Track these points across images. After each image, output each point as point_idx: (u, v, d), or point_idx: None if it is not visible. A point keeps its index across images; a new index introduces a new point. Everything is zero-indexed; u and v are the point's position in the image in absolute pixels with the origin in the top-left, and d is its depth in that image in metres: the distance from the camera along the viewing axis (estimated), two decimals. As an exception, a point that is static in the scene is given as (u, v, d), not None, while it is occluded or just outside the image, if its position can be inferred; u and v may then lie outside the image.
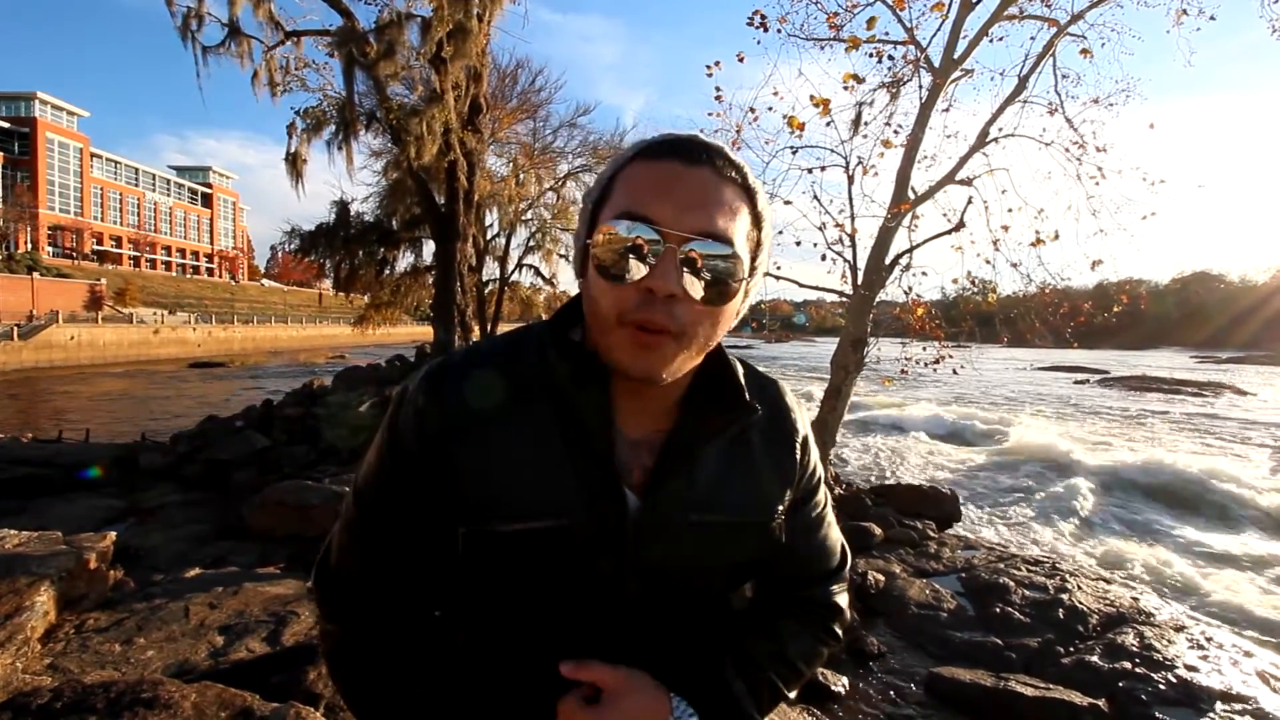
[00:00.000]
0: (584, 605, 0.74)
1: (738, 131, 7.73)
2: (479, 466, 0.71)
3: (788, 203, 7.82)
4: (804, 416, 0.87)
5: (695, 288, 0.64)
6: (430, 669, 0.76)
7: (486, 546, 0.71)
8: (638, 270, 0.64)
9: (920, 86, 7.57)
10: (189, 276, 72.50)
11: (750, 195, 0.69)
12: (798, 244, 8.03)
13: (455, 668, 0.78)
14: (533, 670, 0.75)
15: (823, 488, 0.88)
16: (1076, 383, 31.91)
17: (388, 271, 14.79)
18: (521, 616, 0.75)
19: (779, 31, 7.43)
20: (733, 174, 0.68)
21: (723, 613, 0.85)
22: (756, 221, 0.70)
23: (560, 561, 0.71)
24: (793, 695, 0.83)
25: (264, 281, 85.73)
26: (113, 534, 3.73)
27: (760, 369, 0.87)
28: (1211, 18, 6.97)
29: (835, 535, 0.90)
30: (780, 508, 0.81)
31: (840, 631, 0.88)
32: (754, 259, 0.71)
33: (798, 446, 0.83)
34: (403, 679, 0.75)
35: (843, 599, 0.89)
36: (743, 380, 0.79)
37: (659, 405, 0.76)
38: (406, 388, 0.76)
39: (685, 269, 0.64)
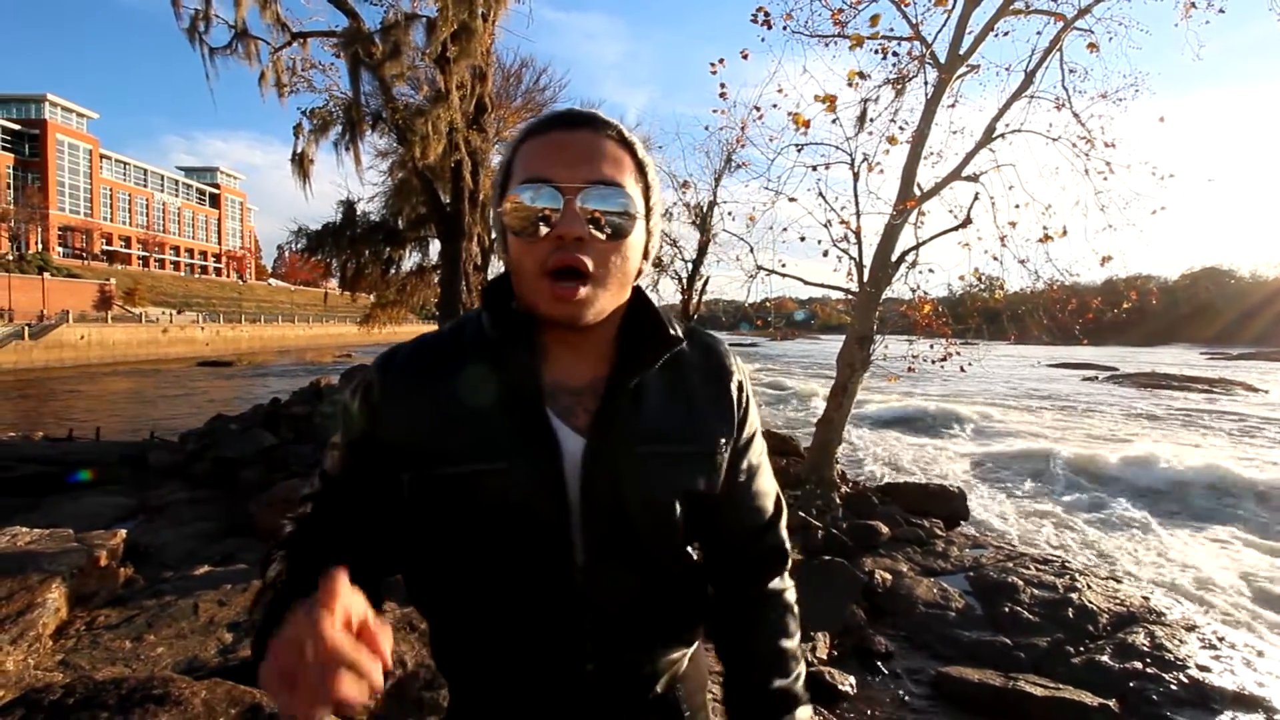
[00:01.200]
0: (537, 553, 0.77)
1: (742, 129, 7.74)
2: (422, 422, 0.77)
3: (793, 199, 7.82)
4: (740, 364, 0.92)
5: (597, 231, 0.73)
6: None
7: (429, 491, 0.77)
8: (545, 226, 0.73)
9: (926, 83, 7.54)
10: (197, 276, 73.00)
11: (629, 146, 0.78)
12: (802, 239, 8.02)
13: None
14: (496, 638, 0.79)
15: (760, 437, 0.94)
16: (1085, 379, 31.73)
17: (393, 271, 14.81)
18: (476, 575, 0.78)
19: (783, 28, 7.41)
20: (610, 132, 0.77)
21: (680, 566, 0.88)
22: (640, 169, 0.80)
23: (503, 504, 0.75)
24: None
25: (271, 281, 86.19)
26: (123, 532, 3.77)
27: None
28: (1220, 10, 6.91)
29: (772, 481, 0.96)
30: (722, 440, 0.86)
31: (790, 578, 0.96)
32: (647, 201, 0.80)
33: (733, 386, 0.89)
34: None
35: (787, 541, 0.96)
36: (667, 317, 0.85)
37: (595, 353, 0.83)
38: (365, 369, 0.84)
39: (587, 219, 0.73)
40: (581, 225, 0.72)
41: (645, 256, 0.82)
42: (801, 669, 0.90)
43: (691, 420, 0.83)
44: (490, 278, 0.93)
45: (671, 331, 0.84)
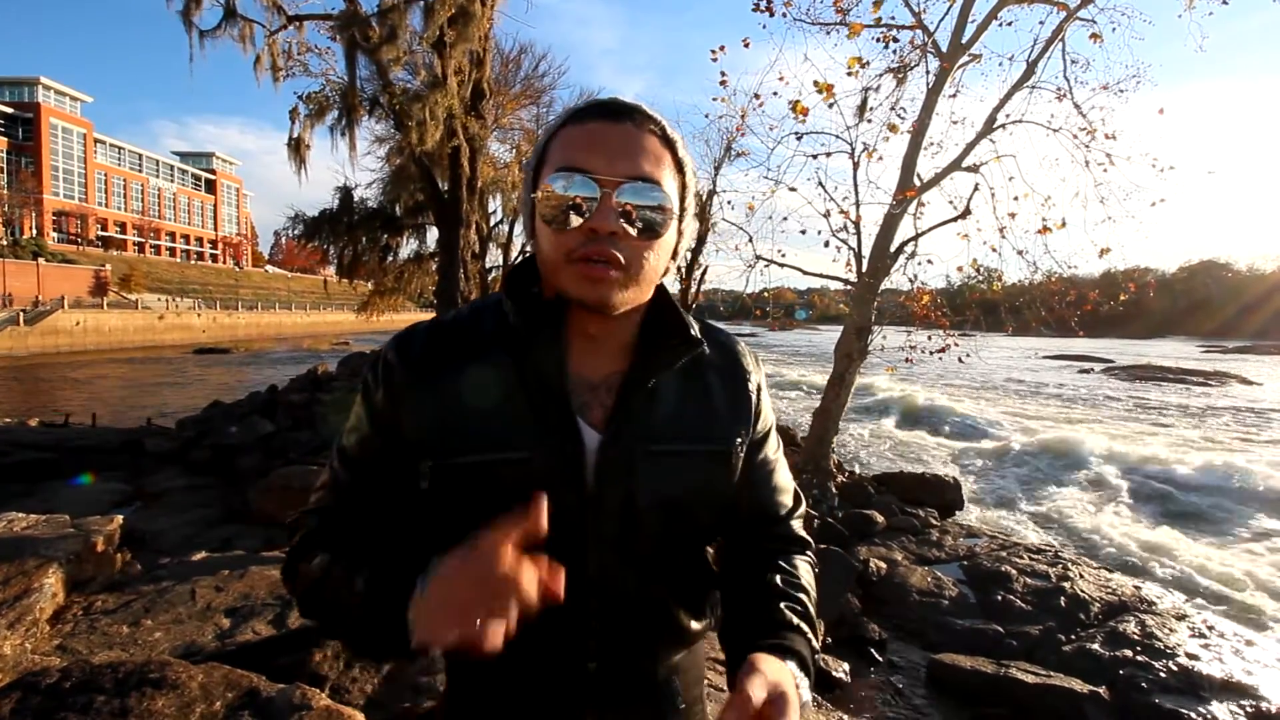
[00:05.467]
0: (552, 543, 0.73)
1: (742, 117, 7.69)
2: (442, 408, 0.77)
3: (792, 189, 7.79)
4: (758, 366, 0.93)
5: (630, 227, 0.72)
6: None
7: (450, 479, 0.76)
8: (579, 217, 0.72)
9: (927, 72, 7.50)
10: (193, 263, 72.53)
11: (670, 144, 0.77)
12: (803, 232, 8.03)
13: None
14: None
15: (775, 433, 0.94)
16: (1080, 372, 31.81)
17: (391, 258, 14.75)
18: None
19: (784, 16, 7.36)
20: (652, 127, 0.76)
21: (690, 567, 0.87)
22: (679, 167, 0.78)
23: (523, 494, 0.72)
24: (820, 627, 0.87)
25: (268, 268, 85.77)
26: (120, 517, 3.76)
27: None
28: (1224, 1, 6.86)
29: (789, 477, 0.96)
30: (738, 440, 0.85)
31: (814, 556, 0.94)
32: (682, 200, 0.79)
33: (751, 388, 0.89)
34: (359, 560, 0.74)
35: (804, 532, 0.95)
36: (689, 319, 0.85)
37: (614, 347, 0.82)
38: (381, 348, 0.83)
39: (620, 213, 0.72)
40: (615, 220, 0.71)
41: (674, 256, 0.81)
42: (808, 611, 0.83)
43: (707, 420, 0.83)
44: (513, 263, 0.91)
45: (693, 333, 0.83)
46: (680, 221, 0.79)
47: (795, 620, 0.80)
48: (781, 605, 0.81)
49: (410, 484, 0.78)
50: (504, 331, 0.79)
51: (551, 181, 0.73)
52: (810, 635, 0.80)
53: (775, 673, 0.69)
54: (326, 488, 0.83)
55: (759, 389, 0.90)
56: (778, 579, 0.85)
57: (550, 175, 0.73)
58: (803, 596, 0.84)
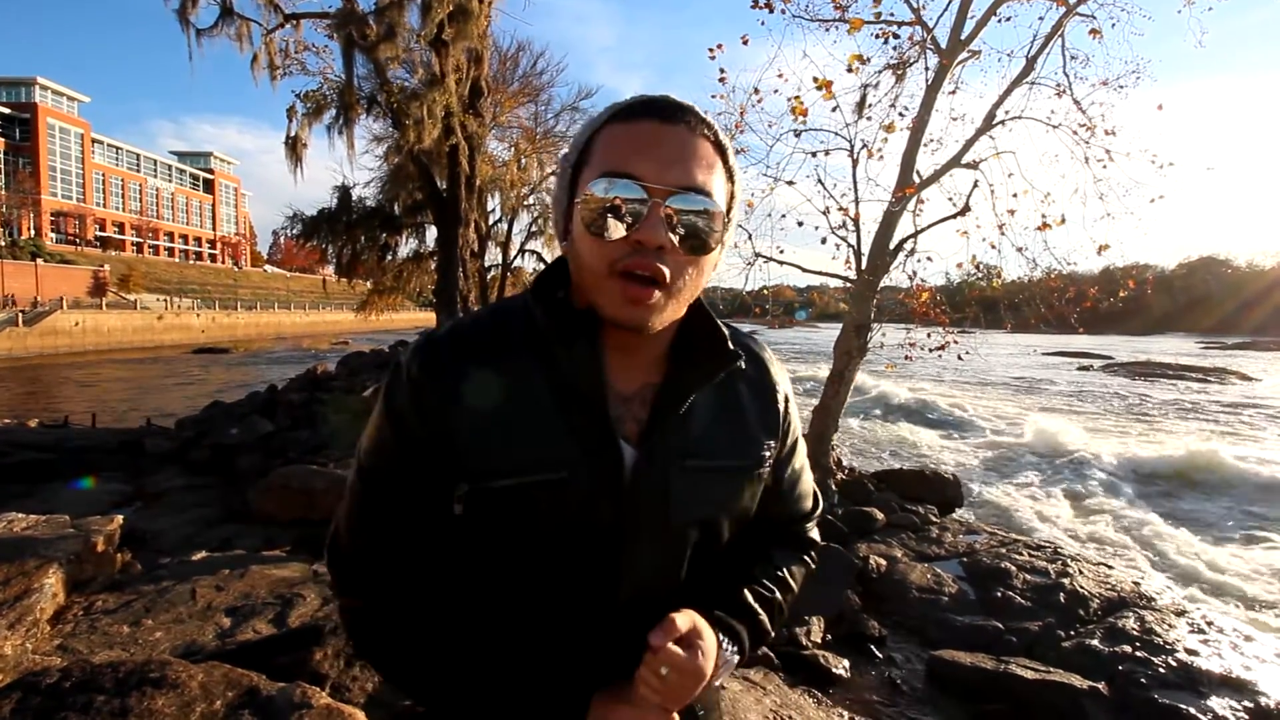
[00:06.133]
0: (589, 562, 0.74)
1: (741, 114, 7.66)
2: (476, 430, 0.72)
3: (791, 183, 7.77)
4: (785, 375, 0.91)
5: (681, 240, 0.69)
6: (456, 627, 0.76)
7: (488, 504, 0.72)
8: (624, 227, 0.67)
9: (926, 68, 7.46)
10: (192, 263, 72.43)
11: (722, 151, 0.73)
12: (800, 225, 7.99)
13: (479, 627, 0.77)
14: (546, 633, 0.76)
15: (801, 441, 0.94)
16: (1080, 368, 31.81)
17: (390, 257, 14.74)
18: (529, 578, 0.75)
19: (783, 12, 7.34)
20: (706, 131, 0.71)
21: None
22: (729, 176, 0.75)
23: (561, 514, 0.72)
24: (786, 614, 0.88)
25: (266, 268, 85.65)
26: (120, 517, 3.77)
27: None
28: (1224, -5, 6.83)
29: (811, 483, 0.96)
30: (767, 455, 0.84)
31: (817, 557, 0.96)
32: (728, 211, 0.75)
33: (780, 400, 0.87)
34: (433, 639, 0.75)
35: (816, 534, 0.97)
36: (724, 329, 0.82)
37: (647, 358, 0.79)
38: (400, 362, 0.77)
39: (671, 225, 0.68)
40: (666, 233, 0.67)
41: (714, 267, 0.77)
42: (780, 602, 0.85)
43: (740, 435, 0.81)
44: (542, 268, 0.87)
45: (730, 347, 0.80)
46: (725, 231, 0.75)
47: (752, 603, 0.81)
48: (744, 589, 0.82)
49: (444, 508, 0.73)
50: (534, 341, 0.75)
51: (596, 186, 0.68)
52: (762, 621, 0.81)
53: (702, 624, 0.73)
54: (358, 518, 0.77)
55: (787, 400, 0.88)
56: (756, 567, 0.86)
57: (594, 179, 0.69)
58: (773, 587, 0.84)
